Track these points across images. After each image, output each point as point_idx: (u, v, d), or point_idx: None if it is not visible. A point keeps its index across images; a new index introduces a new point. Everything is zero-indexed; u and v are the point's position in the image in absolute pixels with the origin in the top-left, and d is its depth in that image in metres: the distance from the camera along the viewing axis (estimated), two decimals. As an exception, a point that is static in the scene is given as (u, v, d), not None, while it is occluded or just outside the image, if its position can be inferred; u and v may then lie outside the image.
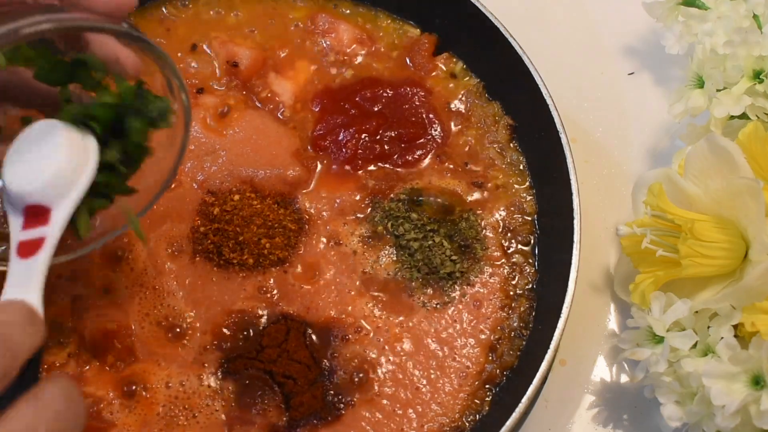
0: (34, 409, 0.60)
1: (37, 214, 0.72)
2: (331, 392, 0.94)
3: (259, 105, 1.10)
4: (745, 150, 0.90)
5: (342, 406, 0.94)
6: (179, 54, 1.12)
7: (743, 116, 0.99)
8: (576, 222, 0.96)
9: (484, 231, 1.03)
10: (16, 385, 0.61)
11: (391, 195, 1.04)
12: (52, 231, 0.71)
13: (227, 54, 1.11)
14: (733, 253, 0.88)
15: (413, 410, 0.94)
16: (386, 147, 1.06)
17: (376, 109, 1.09)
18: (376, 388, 0.95)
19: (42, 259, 0.70)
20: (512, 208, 1.04)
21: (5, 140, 0.77)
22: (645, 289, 0.92)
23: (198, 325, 0.97)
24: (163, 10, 1.15)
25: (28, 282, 0.69)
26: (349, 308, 0.98)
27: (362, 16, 1.16)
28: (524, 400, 0.88)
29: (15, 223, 0.73)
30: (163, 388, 0.94)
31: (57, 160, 0.73)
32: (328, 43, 1.13)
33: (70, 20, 0.70)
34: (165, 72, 0.80)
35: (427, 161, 1.07)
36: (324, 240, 1.02)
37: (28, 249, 0.71)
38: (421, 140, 1.07)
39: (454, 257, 1.00)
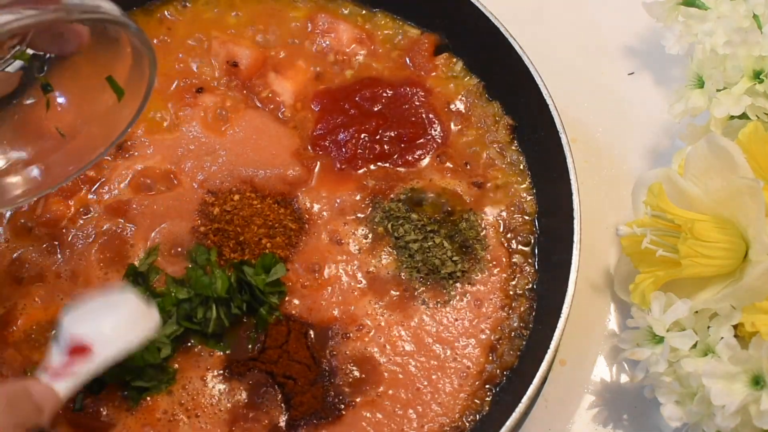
0: None
1: (77, 352, 0.80)
2: (332, 392, 0.94)
3: (259, 105, 1.10)
4: (745, 150, 0.90)
5: (342, 406, 0.94)
6: (180, 54, 1.12)
7: (743, 116, 0.99)
8: (576, 222, 0.96)
9: (484, 231, 1.03)
10: None
11: (391, 195, 1.04)
12: (86, 369, 0.80)
13: (227, 54, 1.11)
14: (733, 253, 0.88)
15: (413, 410, 0.94)
16: (386, 147, 1.06)
17: (375, 109, 1.09)
18: (376, 388, 0.95)
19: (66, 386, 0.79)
20: (512, 208, 1.04)
21: None
22: (645, 289, 0.92)
23: (198, 325, 0.97)
24: (164, 10, 1.15)
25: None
26: (351, 308, 0.98)
27: (362, 16, 1.16)
28: (524, 400, 0.88)
29: (56, 354, 0.81)
30: (164, 388, 0.94)
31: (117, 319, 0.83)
32: (327, 43, 1.13)
33: (51, 13, 0.70)
34: (134, 42, 0.81)
35: (427, 161, 1.07)
36: (324, 240, 1.02)
37: (59, 374, 0.79)
38: (421, 140, 1.07)
39: (454, 258, 1.00)
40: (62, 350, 0.81)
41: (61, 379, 0.78)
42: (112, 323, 0.83)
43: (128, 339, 0.82)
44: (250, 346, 0.95)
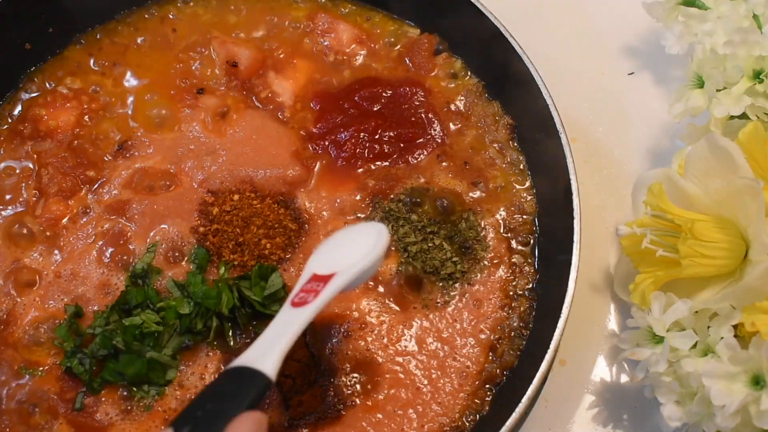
0: None
1: (319, 280, 0.85)
2: (331, 392, 0.94)
3: (259, 105, 1.10)
4: (745, 150, 0.90)
5: (342, 405, 0.94)
6: (180, 54, 1.12)
7: (743, 116, 0.99)
8: (576, 222, 0.96)
9: (484, 231, 1.03)
10: None
11: (391, 195, 1.04)
12: (327, 291, 0.83)
13: (227, 54, 1.11)
14: (733, 253, 0.88)
15: (413, 410, 0.94)
16: (386, 147, 1.06)
17: (375, 108, 1.09)
18: (376, 387, 0.94)
19: (308, 312, 0.82)
20: (512, 208, 1.04)
21: None
22: (645, 289, 0.92)
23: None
24: (164, 10, 1.15)
25: (287, 329, 0.80)
26: (351, 307, 0.98)
27: (362, 15, 1.16)
28: (524, 400, 0.88)
29: (301, 281, 0.86)
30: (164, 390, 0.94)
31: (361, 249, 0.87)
32: (327, 43, 1.13)
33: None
34: None
35: (427, 161, 1.07)
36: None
37: (300, 302, 0.83)
38: (421, 140, 1.07)
39: (454, 258, 1.00)
40: (307, 276, 0.86)
41: (305, 305, 0.82)
42: (348, 250, 0.87)
43: (367, 259, 0.85)
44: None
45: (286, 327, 0.81)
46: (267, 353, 0.78)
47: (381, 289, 0.99)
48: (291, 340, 0.79)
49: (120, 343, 0.92)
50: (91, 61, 1.12)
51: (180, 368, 0.95)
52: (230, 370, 0.77)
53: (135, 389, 0.94)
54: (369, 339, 0.97)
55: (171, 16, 1.15)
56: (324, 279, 0.84)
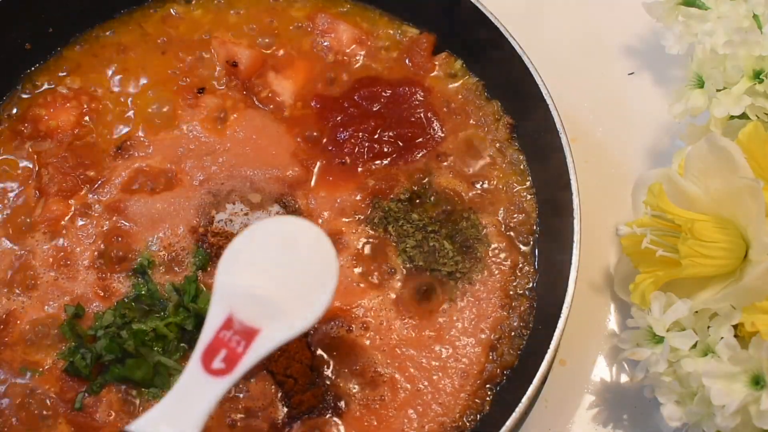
0: None
1: (240, 333, 0.69)
2: (332, 392, 0.94)
3: (259, 105, 1.10)
4: (745, 150, 0.90)
5: (342, 405, 0.94)
6: (180, 53, 1.12)
7: (743, 116, 0.99)
8: (576, 222, 0.96)
9: (484, 231, 1.03)
10: None
11: (391, 195, 1.04)
12: (252, 356, 0.68)
13: (227, 54, 1.11)
14: (733, 253, 0.88)
15: (414, 410, 0.94)
16: (386, 146, 1.06)
17: (375, 108, 1.09)
18: (377, 387, 0.94)
19: (225, 384, 0.68)
20: (512, 208, 1.04)
21: None
22: (645, 289, 0.92)
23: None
24: (164, 10, 1.15)
25: (198, 403, 0.67)
26: (351, 307, 0.98)
27: (361, 15, 1.16)
28: (524, 400, 0.88)
29: (212, 321, 0.69)
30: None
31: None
32: (327, 42, 1.13)
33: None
34: None
35: (426, 160, 1.06)
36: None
37: (218, 371, 0.68)
38: (421, 139, 1.07)
39: (455, 258, 1.00)
40: (222, 333, 0.69)
41: (222, 376, 0.68)
42: (282, 278, 0.69)
43: (309, 308, 0.70)
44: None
45: (195, 398, 0.68)
46: (174, 424, 0.66)
47: (382, 288, 0.99)
48: (203, 418, 0.67)
49: (131, 347, 0.92)
50: (91, 61, 1.12)
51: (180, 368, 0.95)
52: None
53: (135, 391, 0.93)
54: (370, 339, 0.97)
55: (171, 16, 1.15)
56: (247, 333, 0.69)
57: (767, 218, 0.85)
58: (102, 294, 0.98)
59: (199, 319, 0.94)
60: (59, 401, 0.93)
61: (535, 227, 1.04)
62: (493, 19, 1.05)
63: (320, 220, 1.02)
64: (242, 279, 0.72)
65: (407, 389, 0.95)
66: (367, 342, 0.96)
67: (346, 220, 1.02)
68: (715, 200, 0.91)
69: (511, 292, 1.00)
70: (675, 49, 1.10)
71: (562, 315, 0.91)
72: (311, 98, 1.10)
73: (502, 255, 1.02)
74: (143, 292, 0.97)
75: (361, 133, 1.06)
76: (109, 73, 1.11)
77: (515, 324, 0.98)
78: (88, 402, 0.93)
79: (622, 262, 1.02)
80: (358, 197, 1.04)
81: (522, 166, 1.06)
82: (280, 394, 0.93)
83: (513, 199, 1.05)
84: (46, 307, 0.98)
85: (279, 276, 0.72)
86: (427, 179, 1.05)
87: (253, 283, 0.72)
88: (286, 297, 0.71)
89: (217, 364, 0.69)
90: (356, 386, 0.94)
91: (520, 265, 1.01)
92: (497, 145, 1.07)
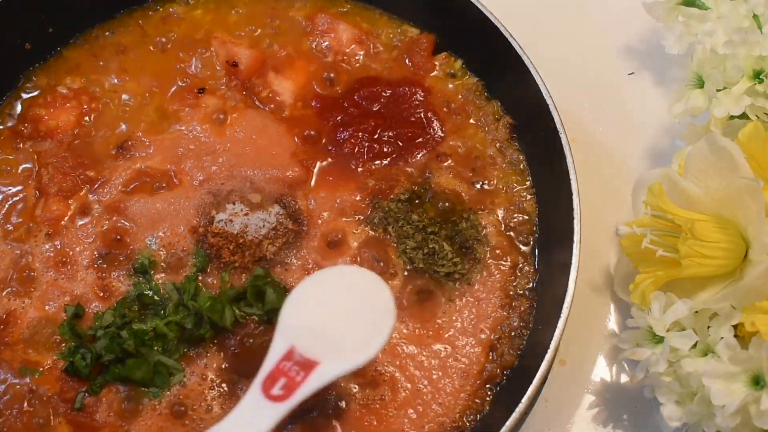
0: None
1: (300, 365, 0.75)
2: (332, 391, 0.94)
3: (259, 105, 1.10)
4: (745, 150, 0.90)
5: (342, 405, 0.94)
6: (180, 53, 1.12)
7: (743, 116, 0.99)
8: (576, 222, 0.96)
9: (484, 231, 1.03)
10: None
11: (391, 195, 1.03)
12: (310, 385, 0.74)
13: (227, 54, 1.11)
14: (733, 253, 0.88)
15: (414, 410, 0.94)
16: (385, 146, 1.06)
17: (375, 108, 1.09)
18: (376, 387, 0.94)
19: (283, 409, 0.74)
20: (512, 208, 1.04)
21: None
22: (645, 289, 0.92)
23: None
24: (164, 9, 1.15)
25: (257, 425, 0.73)
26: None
27: (361, 15, 1.16)
28: (524, 400, 0.88)
29: (275, 351, 0.75)
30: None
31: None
32: (327, 42, 1.13)
33: None
34: None
35: (426, 160, 1.06)
36: (324, 240, 1.01)
37: (277, 397, 0.74)
38: (421, 139, 1.07)
39: (455, 258, 1.00)
40: (284, 364, 0.75)
41: (281, 402, 0.73)
42: (343, 320, 0.76)
43: (366, 346, 0.76)
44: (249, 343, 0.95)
45: (254, 420, 0.74)
46: None
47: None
48: None
49: (131, 347, 0.92)
50: (91, 61, 1.12)
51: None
52: None
53: (134, 392, 0.93)
54: (369, 339, 0.97)
55: (171, 16, 1.15)
56: (306, 365, 0.75)
57: (767, 218, 0.85)
58: (102, 294, 0.98)
59: (199, 318, 0.94)
60: (59, 401, 0.93)
61: (535, 227, 1.04)
62: (493, 19, 1.05)
63: (320, 220, 1.02)
64: (306, 317, 0.78)
65: (407, 389, 0.95)
66: (367, 342, 0.96)
67: (346, 220, 1.02)
68: (715, 200, 0.91)
69: (511, 292, 1.00)
70: (675, 49, 1.10)
71: (562, 315, 0.91)
72: (311, 98, 1.10)
73: (502, 255, 1.02)
74: (144, 292, 0.97)
75: (361, 133, 1.06)
76: (109, 73, 1.11)
77: (515, 324, 0.98)
78: (88, 402, 0.93)
79: (622, 262, 1.02)
80: (358, 197, 1.04)
81: (522, 166, 1.06)
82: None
83: (513, 199, 1.05)
84: (46, 307, 0.98)
85: (340, 316, 0.79)
86: (427, 179, 1.05)
87: (315, 321, 0.78)
88: (346, 335, 0.78)
89: (277, 390, 0.75)
90: (356, 386, 0.94)
91: (520, 265, 1.01)
92: (497, 145, 1.07)
